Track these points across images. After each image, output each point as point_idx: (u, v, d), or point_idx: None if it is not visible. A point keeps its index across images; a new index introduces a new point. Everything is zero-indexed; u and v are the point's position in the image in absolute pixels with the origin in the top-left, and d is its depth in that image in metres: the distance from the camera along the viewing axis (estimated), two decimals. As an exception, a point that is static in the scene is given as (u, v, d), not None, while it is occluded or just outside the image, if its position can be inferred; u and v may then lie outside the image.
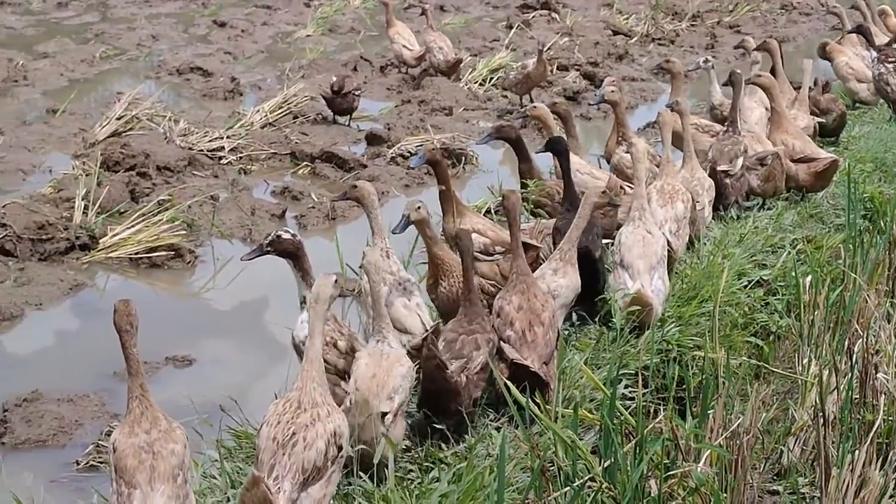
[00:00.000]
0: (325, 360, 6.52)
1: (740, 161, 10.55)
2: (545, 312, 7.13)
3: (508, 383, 6.49)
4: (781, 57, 13.28)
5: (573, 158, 9.83)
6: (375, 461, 6.04)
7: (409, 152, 13.85)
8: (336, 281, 5.90)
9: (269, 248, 6.91)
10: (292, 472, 5.41)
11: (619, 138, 10.94)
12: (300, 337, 6.78)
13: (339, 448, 5.58)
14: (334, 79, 15.64)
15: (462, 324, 6.87)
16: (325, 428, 5.52)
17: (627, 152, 10.24)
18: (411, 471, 6.32)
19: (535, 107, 10.65)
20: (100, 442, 7.65)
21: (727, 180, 10.46)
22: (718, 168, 10.42)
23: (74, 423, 8.01)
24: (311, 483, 5.45)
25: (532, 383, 6.71)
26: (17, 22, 22.53)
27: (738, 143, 10.67)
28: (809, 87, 13.25)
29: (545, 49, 16.82)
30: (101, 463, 7.43)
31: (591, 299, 8.20)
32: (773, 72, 12.62)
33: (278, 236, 6.92)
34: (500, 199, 7.78)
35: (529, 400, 6.38)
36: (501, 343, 6.97)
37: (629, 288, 8.04)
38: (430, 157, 8.99)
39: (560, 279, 7.76)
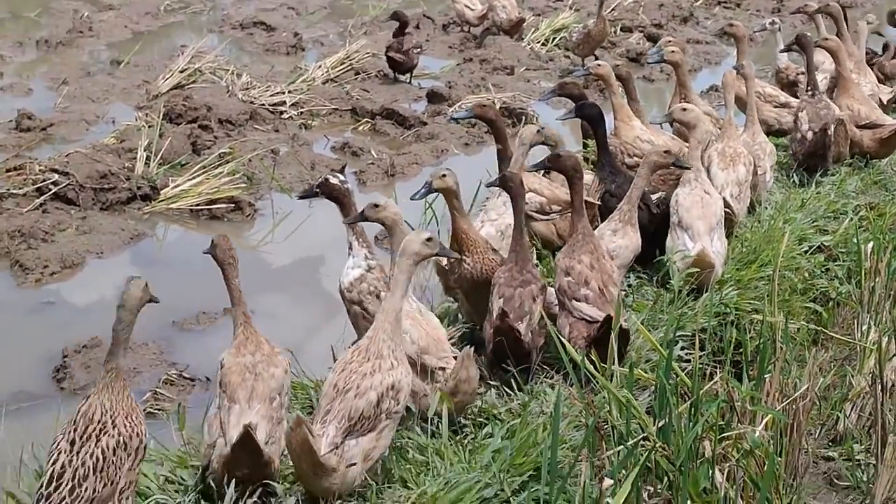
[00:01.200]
0: (368, 310, 6.65)
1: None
2: (615, 273, 7.16)
3: (565, 341, 6.47)
4: (846, 20, 13.08)
5: (635, 123, 9.77)
6: (430, 414, 6.08)
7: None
8: (430, 239, 5.91)
9: (317, 191, 7.16)
10: (339, 418, 5.49)
11: (682, 101, 10.82)
12: (345, 283, 6.95)
13: (397, 403, 5.60)
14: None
15: (514, 275, 6.91)
16: (381, 380, 5.56)
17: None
18: (465, 426, 6.34)
19: (598, 65, 10.54)
20: (157, 390, 7.74)
21: (828, 141, 10.41)
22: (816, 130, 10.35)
23: (133, 371, 8.09)
24: (359, 432, 5.50)
25: (605, 339, 6.60)
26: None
27: (829, 107, 10.62)
28: (875, 53, 13.04)
29: (606, 7, 16.59)
30: (158, 410, 7.52)
31: (649, 260, 8.19)
32: (838, 35, 12.44)
33: (326, 179, 7.18)
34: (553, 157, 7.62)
35: (584, 358, 6.37)
36: (575, 302, 6.95)
37: (690, 249, 8.00)
38: (478, 112, 8.92)
39: (619, 240, 7.74)
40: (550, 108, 13.98)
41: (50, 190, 10.77)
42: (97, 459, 4.98)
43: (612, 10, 18.23)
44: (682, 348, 7.22)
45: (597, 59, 15.33)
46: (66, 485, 4.92)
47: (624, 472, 5.39)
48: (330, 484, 5.45)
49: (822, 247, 9.14)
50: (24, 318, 8.95)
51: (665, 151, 7.98)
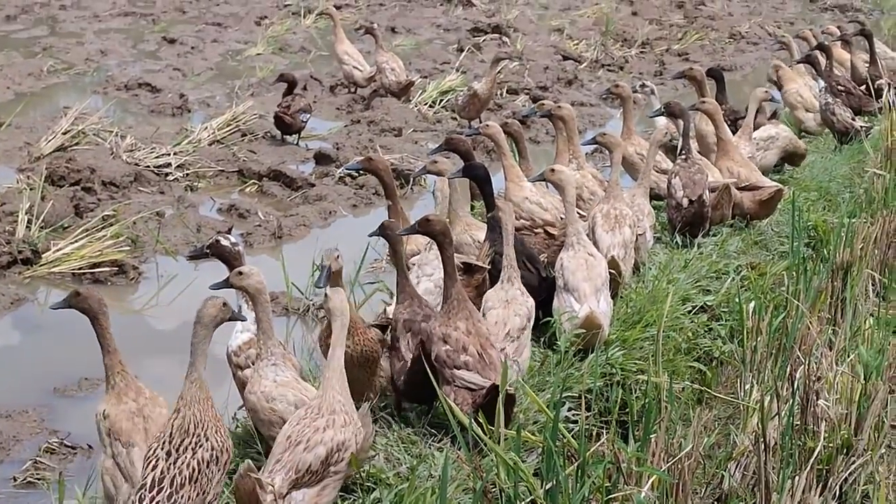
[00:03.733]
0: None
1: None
2: (492, 335, 7.15)
3: (452, 404, 6.46)
4: (722, 84, 13.39)
5: (525, 184, 9.77)
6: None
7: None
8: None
9: (207, 251, 7.07)
10: (286, 469, 5.61)
11: (571, 157, 10.88)
12: (233, 347, 6.90)
13: (343, 461, 5.73)
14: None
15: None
16: (332, 436, 5.70)
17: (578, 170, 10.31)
18: (353, 491, 6.28)
19: (487, 125, 10.59)
20: (37, 458, 7.57)
21: (705, 210, 10.50)
22: (693, 199, 10.44)
23: (12, 439, 7.92)
24: (305, 485, 5.62)
25: (492, 404, 6.59)
26: (-37, 34, 22.35)
27: (702, 171, 10.65)
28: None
29: (494, 68, 16.73)
30: (39, 479, 7.35)
31: (537, 323, 8.23)
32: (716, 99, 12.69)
33: (217, 241, 7.06)
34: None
35: (472, 422, 6.36)
36: (456, 371, 6.92)
37: (576, 310, 8.05)
38: (366, 165, 8.96)
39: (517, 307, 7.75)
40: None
41: (-72, 254, 10.54)
42: (193, 470, 5.31)
43: (498, 72, 18.41)
44: (570, 409, 7.24)
45: (481, 121, 15.48)
46: (165, 490, 5.24)
47: (512, 535, 5.38)
48: None
49: (705, 307, 9.26)
50: None
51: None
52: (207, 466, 5.36)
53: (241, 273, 6.50)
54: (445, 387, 6.91)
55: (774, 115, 14.07)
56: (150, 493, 5.23)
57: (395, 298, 7.46)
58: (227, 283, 6.57)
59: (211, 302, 5.68)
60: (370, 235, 7.82)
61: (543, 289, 8.34)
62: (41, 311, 10.20)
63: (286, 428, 5.79)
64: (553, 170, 8.77)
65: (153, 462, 5.31)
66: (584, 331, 7.91)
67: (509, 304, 7.63)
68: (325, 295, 6.34)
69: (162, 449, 5.36)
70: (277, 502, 5.55)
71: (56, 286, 10.68)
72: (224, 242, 7.03)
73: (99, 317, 6.06)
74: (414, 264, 8.21)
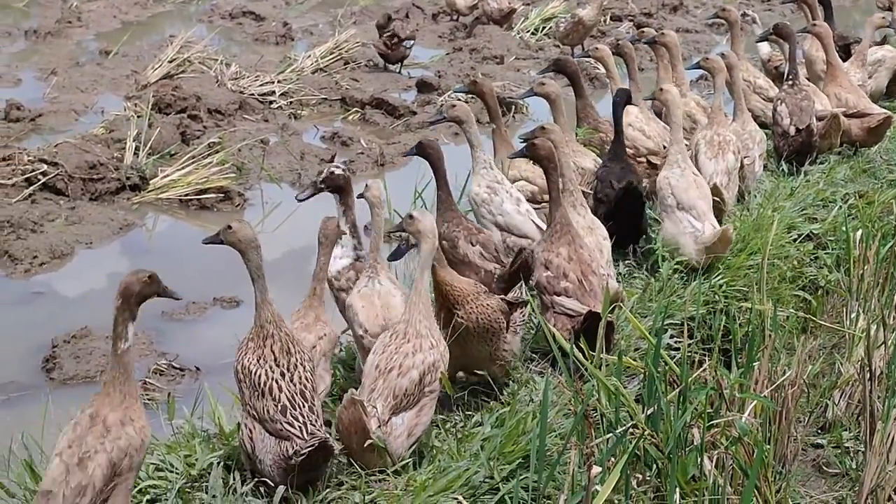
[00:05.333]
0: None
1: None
2: (594, 262, 7.12)
3: (554, 330, 6.48)
4: (830, 9, 13.07)
5: (632, 110, 9.56)
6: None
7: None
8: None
9: (322, 186, 6.90)
10: (384, 397, 5.70)
11: (675, 84, 10.73)
12: (333, 272, 6.91)
13: (436, 380, 5.82)
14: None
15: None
16: (423, 359, 5.77)
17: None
18: (455, 414, 6.34)
19: (597, 48, 10.40)
20: (147, 380, 7.73)
21: (813, 139, 10.35)
22: (801, 128, 10.28)
23: (123, 361, 8.07)
24: (403, 409, 5.72)
25: (593, 331, 6.58)
26: (71, -36, 22.57)
27: (809, 98, 10.47)
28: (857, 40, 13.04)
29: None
30: (148, 400, 7.50)
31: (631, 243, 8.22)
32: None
33: (332, 172, 6.90)
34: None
35: (574, 347, 6.37)
36: (556, 297, 6.92)
37: (700, 229, 8.01)
38: (471, 88, 8.92)
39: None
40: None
41: (39, 180, 10.75)
42: (307, 380, 5.55)
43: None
44: (671, 336, 7.23)
45: (583, 48, 15.24)
46: (304, 406, 5.46)
47: (613, 459, 5.39)
48: (377, 458, 5.66)
49: (811, 235, 9.15)
50: (13, 309, 8.94)
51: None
52: (312, 374, 5.59)
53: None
54: (546, 312, 6.93)
55: (884, 41, 13.72)
56: (294, 411, 5.43)
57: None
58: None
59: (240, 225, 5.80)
60: (404, 155, 7.72)
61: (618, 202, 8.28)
62: (149, 236, 10.38)
63: (373, 357, 5.85)
64: (662, 89, 8.66)
65: (276, 385, 5.47)
66: (711, 249, 7.87)
67: (593, 230, 7.59)
68: (411, 216, 6.10)
69: (277, 373, 5.52)
70: (382, 428, 5.65)
71: (163, 212, 10.85)
72: (338, 172, 6.89)
73: (248, 252, 5.78)
74: None
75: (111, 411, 5.04)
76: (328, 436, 5.46)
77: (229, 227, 5.80)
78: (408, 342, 5.81)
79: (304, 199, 7.06)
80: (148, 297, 5.34)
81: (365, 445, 5.61)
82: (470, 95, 9.66)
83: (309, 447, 5.35)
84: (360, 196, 6.77)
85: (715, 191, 8.58)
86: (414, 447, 5.79)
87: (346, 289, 6.88)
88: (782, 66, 11.05)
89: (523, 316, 6.69)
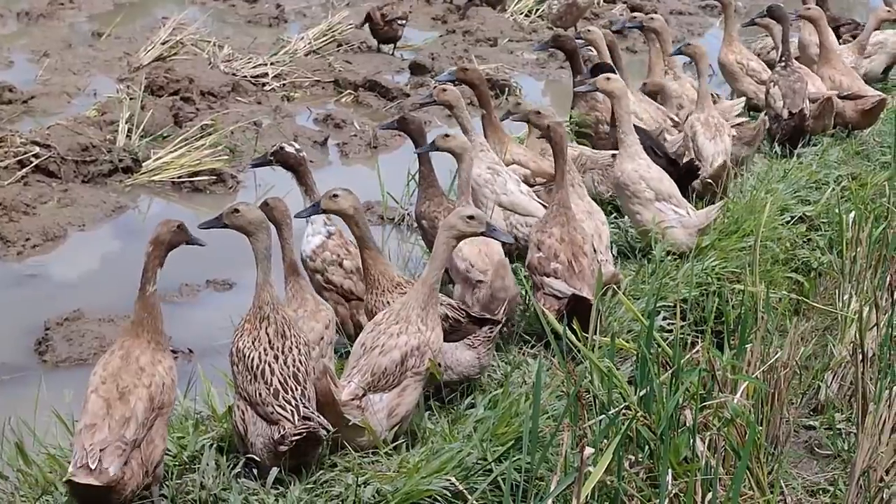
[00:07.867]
0: (330, 281, 6.68)
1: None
2: (587, 244, 7.10)
3: (546, 312, 6.48)
4: None
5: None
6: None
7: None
8: (472, 217, 5.87)
9: (271, 158, 7.15)
10: (362, 373, 5.72)
11: (667, 69, 10.78)
12: (307, 252, 6.98)
13: (422, 363, 5.77)
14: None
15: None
16: (406, 341, 5.75)
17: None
18: (451, 397, 6.34)
19: (589, 30, 10.42)
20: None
21: (806, 123, 10.34)
22: (794, 111, 10.26)
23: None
24: (383, 388, 5.70)
25: (584, 314, 6.63)
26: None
27: (802, 80, 10.45)
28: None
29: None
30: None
31: None
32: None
33: (281, 148, 7.14)
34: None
35: (566, 329, 6.37)
36: (545, 278, 6.93)
37: (685, 214, 8.11)
38: (461, 75, 8.86)
39: None
40: (534, 80, 13.98)
41: (31, 163, 10.73)
42: (300, 363, 5.56)
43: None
44: (664, 318, 7.23)
45: (576, 30, 15.25)
46: (297, 389, 5.46)
47: (605, 440, 5.39)
48: (355, 433, 5.65)
49: (803, 217, 9.16)
50: (5, 292, 8.93)
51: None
52: (306, 357, 5.61)
53: (447, 136, 7.01)
54: (536, 293, 6.94)
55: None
56: (286, 395, 5.42)
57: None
58: (433, 146, 7.00)
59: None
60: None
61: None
62: (142, 218, 10.37)
63: (361, 336, 5.89)
64: (608, 78, 8.39)
65: (268, 369, 5.48)
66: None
67: (592, 214, 7.58)
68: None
69: (270, 356, 5.53)
70: (355, 401, 5.65)
71: (156, 194, 10.84)
72: (288, 149, 7.10)
73: (259, 233, 5.75)
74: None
75: (141, 353, 5.31)
76: (319, 424, 5.44)
77: (236, 210, 5.81)
78: (396, 324, 5.80)
79: (253, 166, 7.88)
80: (177, 245, 5.59)
81: (337, 419, 5.58)
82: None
83: (296, 436, 5.35)
84: (437, 148, 7.02)
85: (722, 169, 8.61)
86: (401, 428, 5.77)
87: (321, 270, 6.88)
88: (772, 53, 11.06)
89: (491, 333, 6.42)
